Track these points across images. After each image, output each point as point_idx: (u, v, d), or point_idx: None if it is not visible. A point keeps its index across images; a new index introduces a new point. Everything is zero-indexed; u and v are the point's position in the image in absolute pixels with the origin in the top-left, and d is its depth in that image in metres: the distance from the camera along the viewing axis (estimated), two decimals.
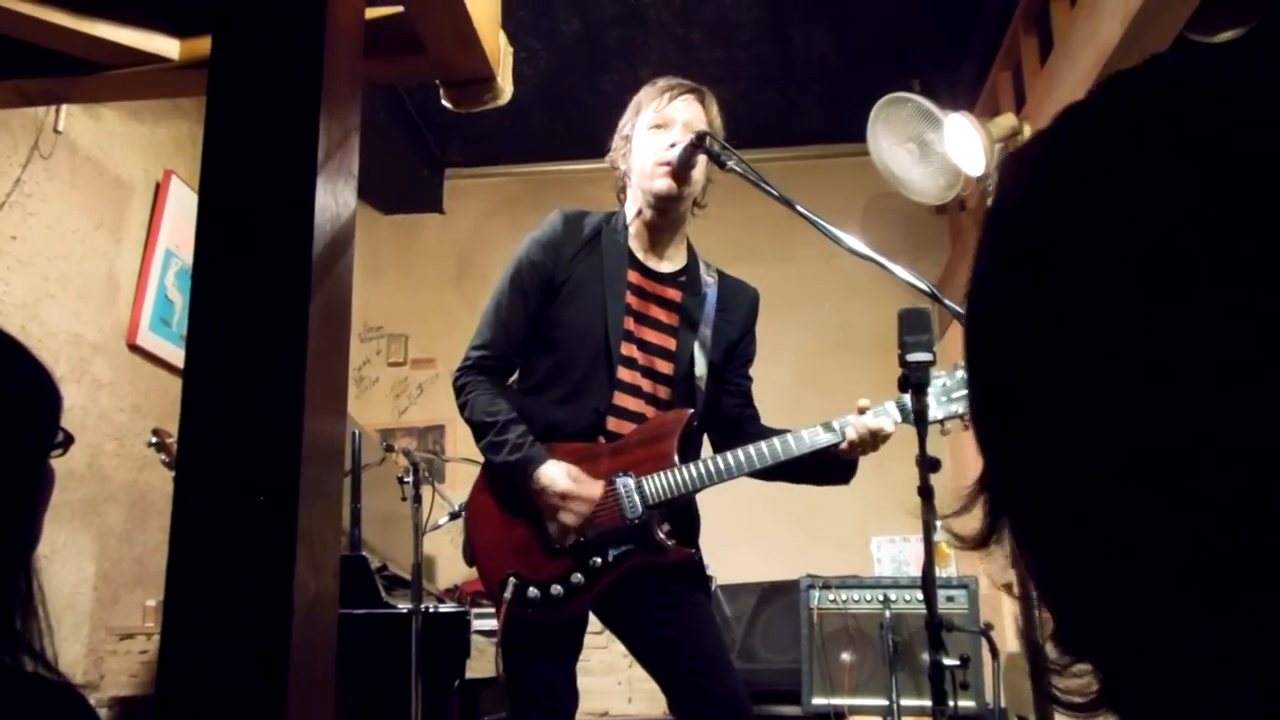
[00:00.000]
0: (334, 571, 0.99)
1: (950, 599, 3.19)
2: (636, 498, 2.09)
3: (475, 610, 3.12)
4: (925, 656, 1.85)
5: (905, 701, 3.02)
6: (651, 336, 2.22)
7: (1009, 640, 4.00)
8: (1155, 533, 0.37)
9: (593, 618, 2.19)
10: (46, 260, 3.50)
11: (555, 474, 2.06)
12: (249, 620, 0.88)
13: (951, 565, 4.46)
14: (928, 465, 1.70)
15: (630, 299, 2.21)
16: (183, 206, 4.15)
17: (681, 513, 2.20)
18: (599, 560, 2.09)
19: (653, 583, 2.12)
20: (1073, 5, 3.47)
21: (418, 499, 2.72)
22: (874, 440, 2.11)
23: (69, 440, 1.00)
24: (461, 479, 3.68)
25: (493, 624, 2.40)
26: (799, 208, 1.99)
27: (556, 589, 2.07)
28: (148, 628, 3.53)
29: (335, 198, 1.02)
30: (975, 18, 4.44)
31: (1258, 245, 0.36)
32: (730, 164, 2.08)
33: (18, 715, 0.85)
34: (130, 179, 4.00)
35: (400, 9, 1.41)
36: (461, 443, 3.44)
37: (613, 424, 2.16)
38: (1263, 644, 0.35)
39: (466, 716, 3.36)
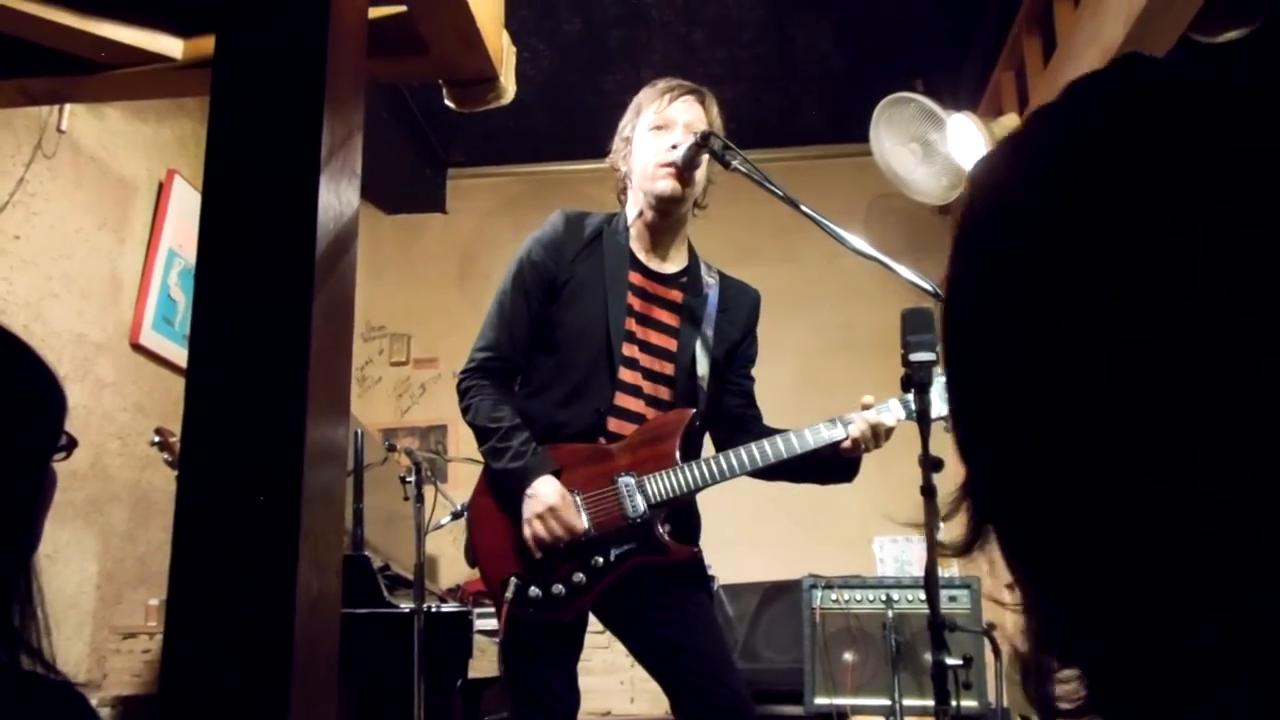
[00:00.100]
0: (336, 571, 0.99)
1: (953, 599, 3.19)
2: (639, 497, 2.09)
3: (477, 610, 3.12)
4: (928, 656, 1.85)
5: (908, 701, 3.02)
6: (653, 337, 2.22)
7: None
8: (1155, 532, 0.37)
9: (593, 617, 2.19)
10: (50, 260, 3.50)
11: (548, 490, 2.05)
12: (251, 619, 0.88)
13: (954, 565, 4.46)
14: (930, 465, 1.70)
15: (632, 300, 2.21)
16: (186, 206, 4.15)
17: (682, 512, 2.20)
18: (601, 559, 2.09)
19: (654, 583, 2.12)
20: (1076, 5, 3.47)
21: (420, 499, 2.72)
22: (877, 436, 2.11)
23: (73, 444, 0.99)
24: (464, 479, 3.69)
25: (494, 624, 2.40)
26: (803, 207, 1.99)
27: (558, 588, 2.07)
28: (150, 627, 3.54)
29: (338, 197, 1.02)
30: (978, 18, 4.42)
31: (1259, 242, 0.36)
32: (734, 163, 2.07)
33: (17, 714, 0.85)
34: (133, 178, 4.00)
35: (403, 9, 1.41)
36: (464, 443, 3.44)
37: (613, 424, 2.16)
38: (1263, 644, 0.35)
39: (468, 716, 3.36)
